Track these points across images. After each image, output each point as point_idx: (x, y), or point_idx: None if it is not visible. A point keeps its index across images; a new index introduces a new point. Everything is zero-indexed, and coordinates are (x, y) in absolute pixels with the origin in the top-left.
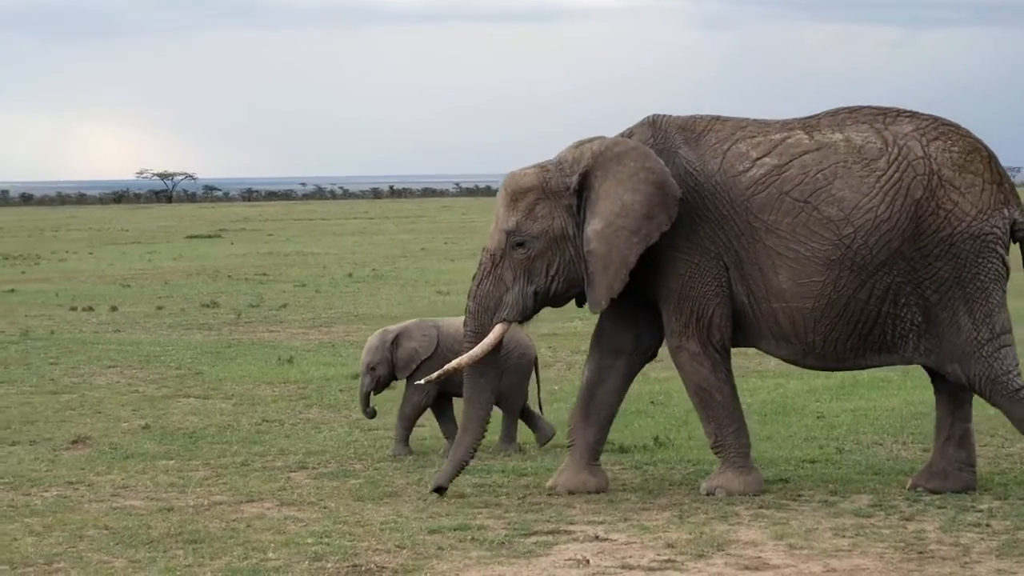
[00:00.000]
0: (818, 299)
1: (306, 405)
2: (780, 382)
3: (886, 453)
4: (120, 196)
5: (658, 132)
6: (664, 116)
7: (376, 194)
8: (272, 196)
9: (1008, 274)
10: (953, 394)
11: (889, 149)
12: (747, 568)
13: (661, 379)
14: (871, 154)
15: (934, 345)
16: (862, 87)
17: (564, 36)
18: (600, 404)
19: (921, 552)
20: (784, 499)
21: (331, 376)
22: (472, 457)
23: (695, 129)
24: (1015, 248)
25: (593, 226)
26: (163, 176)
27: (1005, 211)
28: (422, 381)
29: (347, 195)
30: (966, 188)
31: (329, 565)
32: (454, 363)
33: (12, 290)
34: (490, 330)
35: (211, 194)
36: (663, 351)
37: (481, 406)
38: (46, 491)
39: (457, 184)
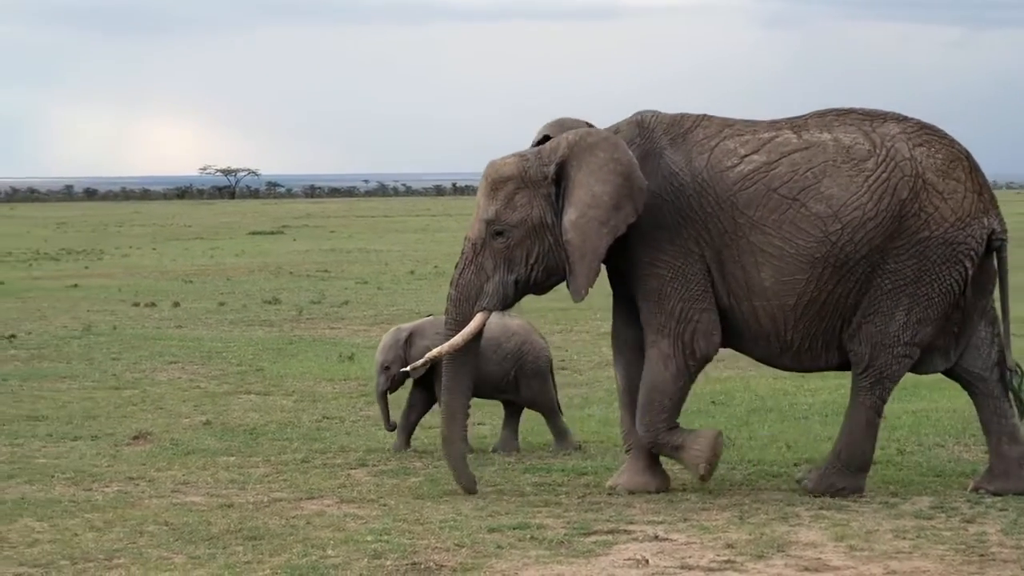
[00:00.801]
0: (800, 296)
1: (367, 402)
2: (841, 383)
3: (947, 455)
4: (183, 192)
5: (644, 131)
6: (651, 114)
7: (439, 191)
8: (335, 193)
9: (960, 292)
10: (988, 394)
11: (877, 150)
12: (807, 569)
13: (722, 379)
14: (860, 154)
15: (863, 330)
16: (922, 86)
17: (626, 34)
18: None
19: (982, 555)
20: (845, 500)
21: None
22: (465, 444)
23: (682, 126)
24: (992, 258)
25: (569, 216)
26: (226, 172)
27: (984, 220)
28: (407, 368)
29: (410, 192)
30: (948, 194)
31: (388, 563)
32: (435, 351)
33: (75, 285)
34: (471, 318)
35: (274, 190)
36: (723, 352)
37: (462, 394)
38: (107, 486)
39: None
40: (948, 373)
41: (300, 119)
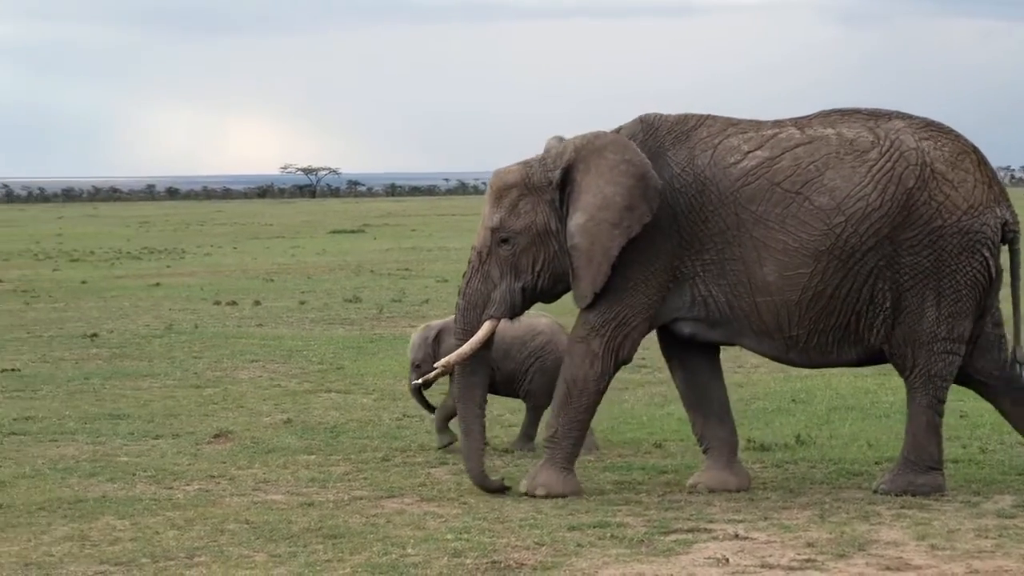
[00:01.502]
0: (804, 291)
1: None
2: None
3: None
4: (264, 191)
5: (648, 131)
6: (655, 115)
7: None
8: (415, 191)
9: (993, 279)
10: (1006, 390)
11: (881, 142)
12: (888, 568)
13: (803, 376)
14: (863, 146)
15: (893, 329)
16: (1004, 84)
17: (695, 31)
18: (710, 399)
19: None
20: (926, 499)
21: None
22: (483, 452)
23: (686, 125)
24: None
25: (576, 220)
26: (307, 171)
27: (997, 210)
28: (418, 381)
29: None
30: (959, 182)
31: (468, 561)
32: (443, 360)
33: (157, 284)
34: (479, 327)
35: (355, 189)
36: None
37: (477, 405)
38: (188, 485)
39: None
40: (960, 379)
41: (381, 118)
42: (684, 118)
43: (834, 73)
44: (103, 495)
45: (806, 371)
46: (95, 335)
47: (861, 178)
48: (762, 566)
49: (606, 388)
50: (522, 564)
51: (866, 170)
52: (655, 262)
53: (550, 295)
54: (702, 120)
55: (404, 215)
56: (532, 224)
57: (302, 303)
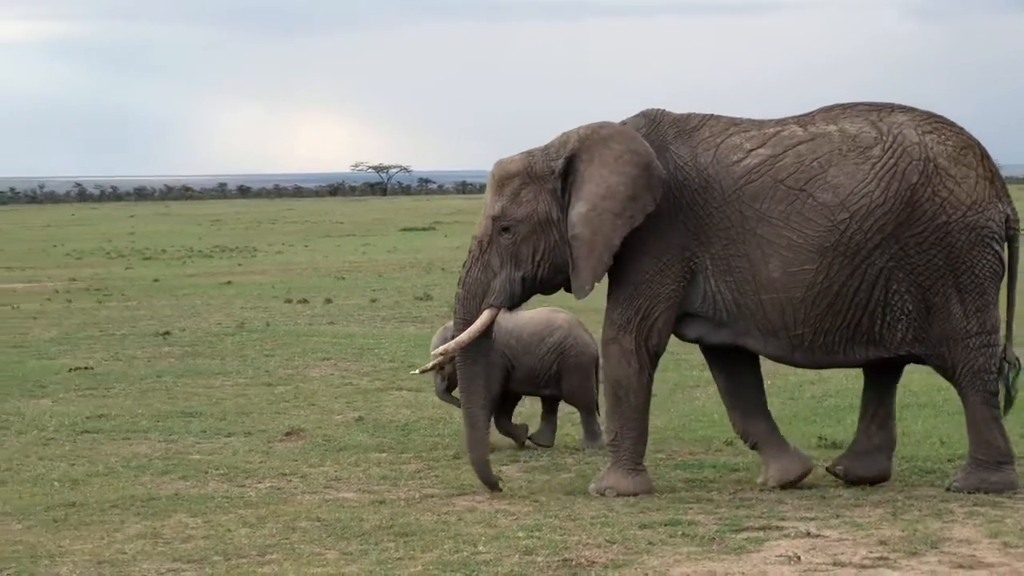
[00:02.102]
0: (809, 288)
1: None
2: None
3: None
4: (336, 189)
5: (651, 125)
6: (659, 111)
7: None
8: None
9: (1003, 272)
10: (882, 385)
11: (884, 137)
12: (961, 567)
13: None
14: (866, 142)
15: (921, 333)
16: None
17: (772, 29)
18: (745, 394)
19: None
20: (999, 497)
21: None
22: (488, 444)
23: (688, 124)
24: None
25: (578, 209)
26: (378, 169)
27: (999, 205)
28: (416, 371)
29: None
30: (961, 178)
31: (539, 559)
32: (442, 348)
33: (229, 282)
34: (478, 316)
35: (426, 187)
36: None
37: (480, 397)
38: (260, 482)
39: None
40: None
41: (452, 116)
42: (687, 116)
43: (911, 69)
44: (175, 493)
45: None
46: (167, 333)
47: (864, 174)
48: (834, 564)
49: (649, 381)
50: (593, 562)
51: (869, 166)
52: (666, 253)
53: (550, 285)
54: (704, 120)
55: (474, 212)
56: (534, 213)
57: (373, 301)
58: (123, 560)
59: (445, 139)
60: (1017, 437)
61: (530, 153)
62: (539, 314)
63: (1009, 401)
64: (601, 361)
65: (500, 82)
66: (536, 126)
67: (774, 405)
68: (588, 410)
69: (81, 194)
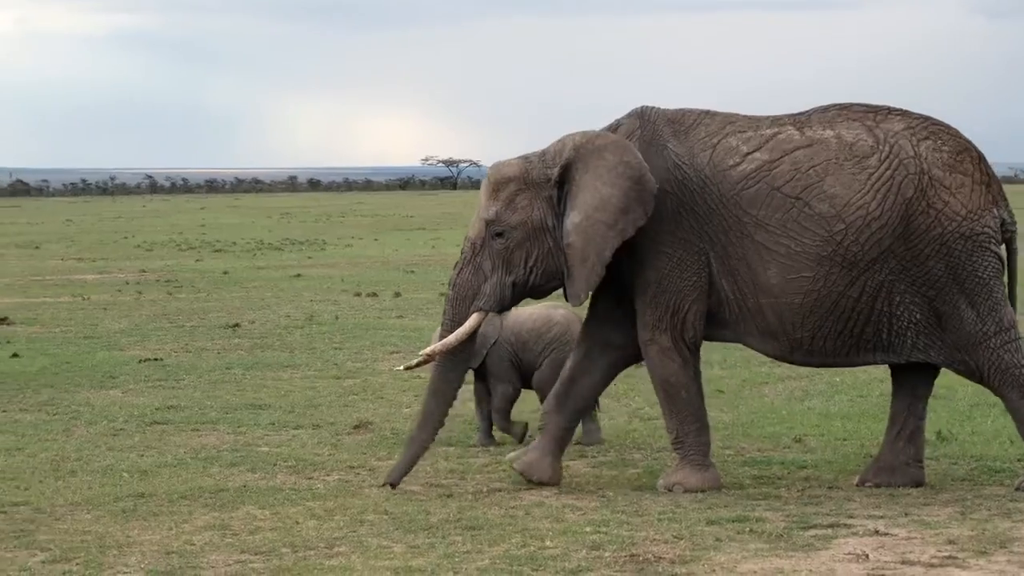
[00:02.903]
0: (807, 295)
1: None
2: None
3: None
4: (405, 182)
5: (646, 124)
6: (653, 108)
7: None
8: None
9: (1004, 270)
10: (911, 391)
11: (880, 147)
12: None
13: (945, 372)
14: (862, 151)
15: (935, 340)
16: None
17: (852, 23)
18: (577, 396)
19: None
20: None
21: None
22: (426, 451)
23: (684, 122)
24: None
25: (572, 219)
26: (448, 163)
27: (995, 211)
28: (401, 368)
29: None
30: (956, 188)
31: (606, 554)
32: (428, 349)
33: (298, 275)
34: (467, 319)
35: None
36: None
37: (444, 401)
38: (328, 475)
39: None
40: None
41: (521, 111)
42: (682, 114)
43: (974, 65)
44: (244, 485)
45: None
46: (237, 325)
47: (861, 186)
48: (902, 563)
49: (696, 373)
50: (660, 558)
51: (865, 177)
52: (679, 249)
53: (540, 291)
54: (699, 118)
55: None
56: (528, 219)
57: (442, 295)
58: (191, 551)
59: (515, 134)
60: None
61: (527, 158)
62: (538, 310)
63: None
64: (647, 364)
65: (570, 76)
66: (606, 121)
67: (842, 402)
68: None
69: (152, 186)
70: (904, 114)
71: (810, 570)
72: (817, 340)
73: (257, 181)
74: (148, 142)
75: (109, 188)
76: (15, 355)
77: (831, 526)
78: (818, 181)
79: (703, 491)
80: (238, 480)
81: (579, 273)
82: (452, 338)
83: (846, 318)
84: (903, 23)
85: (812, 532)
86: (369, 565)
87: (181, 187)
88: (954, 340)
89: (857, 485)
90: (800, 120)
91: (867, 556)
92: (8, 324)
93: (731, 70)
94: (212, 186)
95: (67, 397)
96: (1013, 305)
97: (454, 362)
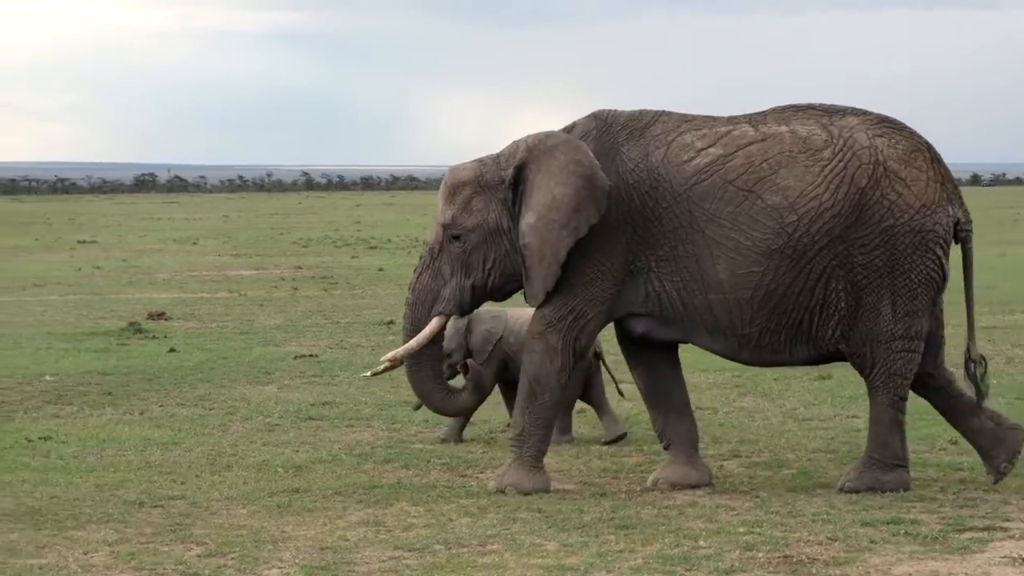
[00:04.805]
0: (756, 289)
1: (740, 393)
2: None
3: None
4: None
5: (601, 127)
6: (610, 111)
7: None
8: None
9: (946, 279)
10: (938, 386)
11: (834, 140)
12: None
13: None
14: (816, 144)
15: (850, 328)
16: None
17: (1004, 22)
18: (670, 397)
19: None
20: None
21: None
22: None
23: (640, 122)
24: (955, 249)
25: (527, 220)
26: None
27: (949, 209)
28: (368, 374)
29: None
30: (911, 181)
31: (760, 555)
32: (391, 354)
33: None
34: (426, 323)
35: None
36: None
37: (439, 390)
38: (481, 472)
39: None
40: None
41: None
42: (638, 115)
43: None
44: (398, 481)
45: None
46: (391, 322)
47: (814, 177)
48: None
49: (568, 381)
50: (814, 559)
51: (819, 169)
52: (610, 258)
53: (501, 293)
54: (656, 117)
55: None
56: (484, 222)
57: None
58: (345, 547)
59: None
60: None
61: (482, 162)
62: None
63: (980, 395)
64: (524, 356)
65: (721, 73)
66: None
67: (1000, 405)
68: (571, 405)
69: (308, 183)
70: (860, 113)
71: (965, 573)
72: (764, 336)
73: (412, 178)
74: (305, 139)
75: (266, 184)
76: (172, 350)
77: (987, 529)
78: (771, 174)
79: (536, 493)
80: (392, 476)
81: (536, 273)
82: (414, 343)
83: (791, 310)
84: (986, 27)
85: (968, 535)
86: (522, 563)
87: (337, 184)
88: (864, 332)
89: (994, 482)
90: (755, 118)
91: (1023, 560)
92: (166, 319)
93: (887, 70)
94: (367, 183)
95: (223, 392)
96: (969, 303)
97: (419, 362)
